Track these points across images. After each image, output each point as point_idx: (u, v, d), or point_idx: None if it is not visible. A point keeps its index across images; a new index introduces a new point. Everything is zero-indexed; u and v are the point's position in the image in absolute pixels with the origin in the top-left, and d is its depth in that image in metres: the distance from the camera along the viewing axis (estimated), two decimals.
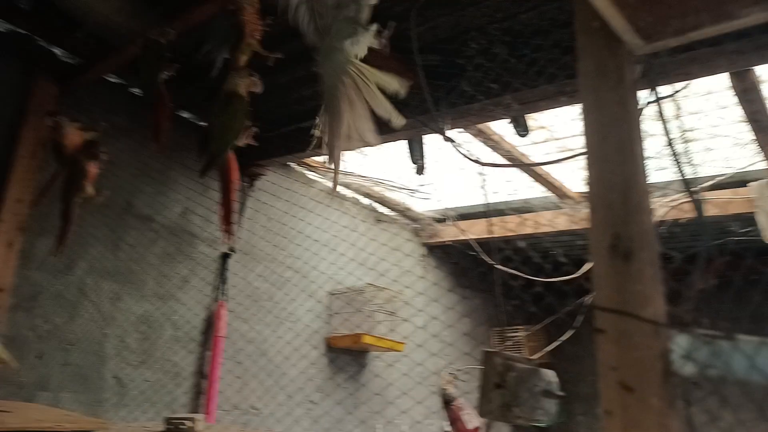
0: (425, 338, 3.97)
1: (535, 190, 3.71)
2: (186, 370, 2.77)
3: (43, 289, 2.36)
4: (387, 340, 3.52)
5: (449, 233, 4.30)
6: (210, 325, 2.92)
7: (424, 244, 4.45)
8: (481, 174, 2.82)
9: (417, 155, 2.86)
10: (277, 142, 3.11)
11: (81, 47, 2.56)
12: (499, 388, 1.43)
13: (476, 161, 2.03)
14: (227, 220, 2.04)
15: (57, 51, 2.57)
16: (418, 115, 2.51)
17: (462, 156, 2.03)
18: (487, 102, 2.42)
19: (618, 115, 1.11)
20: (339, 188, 3.82)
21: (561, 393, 1.51)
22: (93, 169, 2.04)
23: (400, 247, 4.09)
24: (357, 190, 3.91)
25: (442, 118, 2.46)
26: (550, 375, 1.54)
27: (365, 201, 4.00)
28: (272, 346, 3.15)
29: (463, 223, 4.01)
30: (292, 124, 3.09)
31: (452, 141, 2.28)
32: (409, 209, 4.21)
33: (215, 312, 2.93)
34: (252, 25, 1.74)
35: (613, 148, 1.11)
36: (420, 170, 2.90)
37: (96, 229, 2.57)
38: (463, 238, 3.79)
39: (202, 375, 2.83)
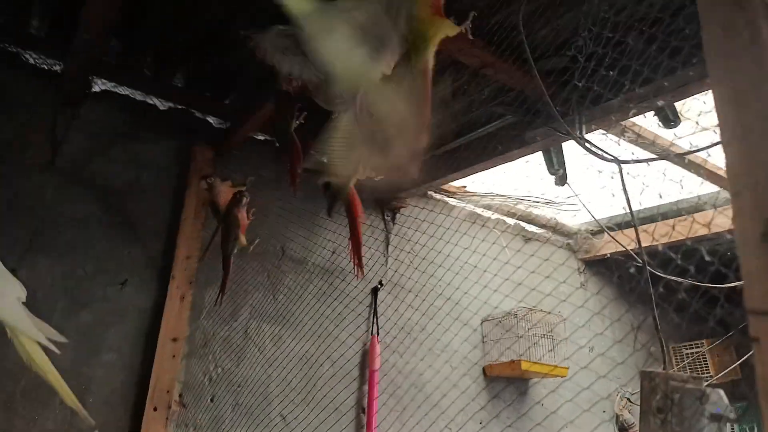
0: (591, 359, 3.69)
1: (705, 187, 3.29)
2: (346, 405, 2.85)
3: (213, 336, 2.60)
4: (548, 365, 3.32)
5: (608, 245, 3.98)
6: (366, 360, 2.98)
7: (581, 259, 4.16)
8: (634, 176, 2.56)
9: (555, 165, 2.67)
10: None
11: (229, 113, 2.82)
12: (661, 412, 1.26)
13: (614, 159, 1.81)
14: (357, 255, 2.04)
15: (210, 119, 2.85)
16: (550, 122, 2.38)
17: (598, 155, 1.84)
18: (624, 97, 2.20)
19: (756, 78, 0.92)
20: (481, 210, 3.73)
21: (731, 415, 1.29)
22: (244, 220, 2.20)
23: (553, 265, 3.86)
24: (500, 210, 3.78)
25: (578, 121, 2.29)
26: (719, 395, 1.33)
27: (510, 221, 3.85)
28: (427, 377, 3.13)
29: (623, 233, 3.68)
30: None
31: (587, 141, 2.09)
32: (559, 224, 3.97)
33: (369, 346, 2.99)
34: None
35: (754, 116, 0.91)
36: (561, 181, 2.71)
37: (256, 276, 2.77)
38: (624, 248, 3.46)
39: (362, 409, 2.89)
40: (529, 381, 3.59)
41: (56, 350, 1.36)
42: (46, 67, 2.50)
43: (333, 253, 3.08)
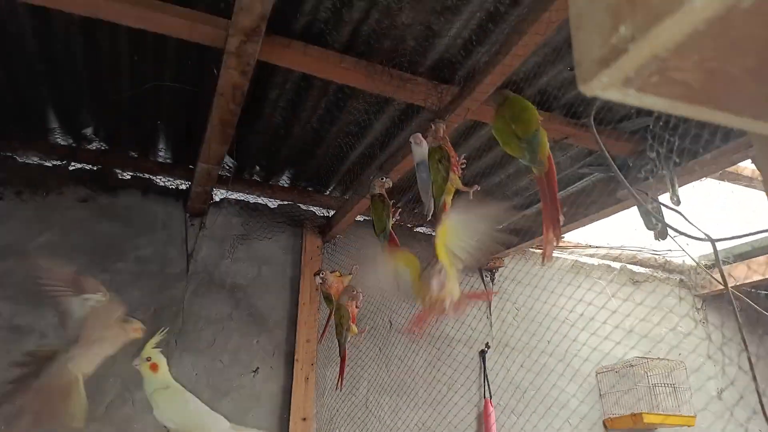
0: (722, 407, 3.51)
1: None
2: None
3: (337, 411, 2.81)
4: (674, 416, 3.20)
5: (729, 277, 3.79)
6: (481, 423, 3.06)
7: (697, 296, 3.98)
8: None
9: (654, 220, 2.66)
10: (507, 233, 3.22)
11: (331, 202, 3.09)
12: None
13: (708, 238, 1.82)
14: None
15: (314, 209, 3.14)
16: (638, 183, 2.40)
17: (689, 235, 1.86)
18: (716, 152, 2.19)
19: None
20: (585, 259, 3.72)
21: None
22: (354, 311, 2.41)
23: (667, 306, 3.74)
24: (605, 257, 3.75)
25: (668, 179, 2.31)
26: None
27: (616, 265, 3.80)
28: None
29: (740, 265, 3.52)
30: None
31: (678, 212, 2.09)
32: (669, 262, 3.85)
33: (483, 409, 3.07)
34: (454, 160, 1.86)
35: None
36: (662, 235, 2.68)
37: (369, 351, 2.97)
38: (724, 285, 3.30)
39: None
40: (654, 430, 3.47)
41: None
42: (173, 187, 2.91)
43: (437, 320, 3.21)
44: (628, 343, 3.43)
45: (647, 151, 2.32)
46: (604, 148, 2.14)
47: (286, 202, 3.08)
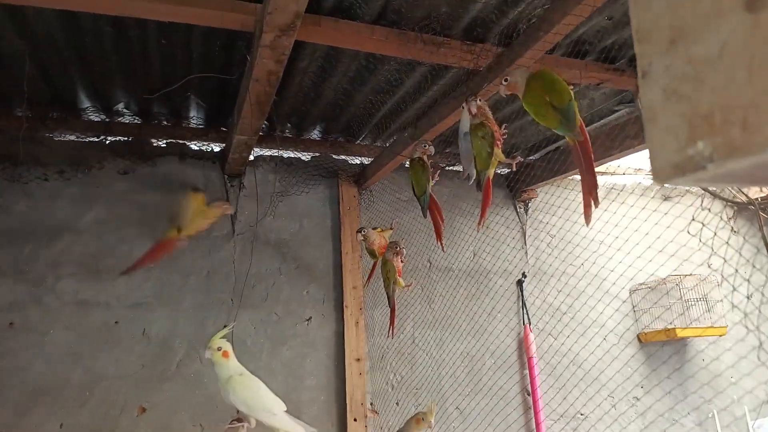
0: (751, 311, 3.65)
1: None
2: (512, 391, 3.17)
3: (387, 349, 3.01)
4: (704, 328, 3.36)
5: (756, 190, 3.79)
6: (522, 348, 3.25)
7: (729, 204, 4.01)
8: None
9: None
10: (540, 166, 3.24)
11: (363, 150, 3.11)
12: None
13: (750, 201, 1.85)
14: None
15: (346, 158, 3.17)
16: None
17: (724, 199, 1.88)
18: None
19: None
20: (615, 179, 3.74)
21: None
22: (399, 266, 2.51)
23: (698, 218, 3.79)
24: (635, 173, 3.75)
25: None
26: None
27: (647, 182, 3.81)
28: (583, 354, 3.32)
29: None
30: (548, 146, 3.19)
31: None
32: None
33: (523, 336, 3.25)
34: (497, 135, 1.86)
35: None
36: None
37: (412, 291, 3.12)
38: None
39: (526, 392, 3.20)
40: (688, 342, 3.64)
41: None
42: (208, 150, 2.95)
43: (474, 255, 3.33)
44: (660, 257, 3.52)
45: None
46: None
47: (318, 154, 3.11)
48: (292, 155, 3.09)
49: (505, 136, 1.82)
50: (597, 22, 1.99)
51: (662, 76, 0.61)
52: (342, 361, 2.88)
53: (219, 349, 1.88)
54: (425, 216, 2.25)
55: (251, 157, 3.00)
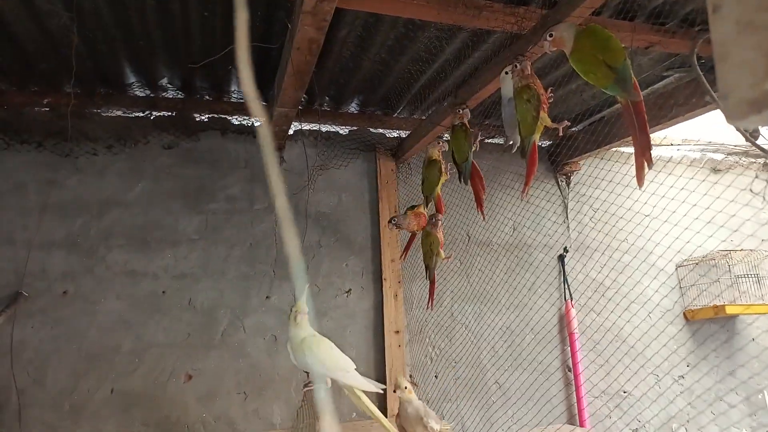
0: None
1: None
2: (552, 366, 3.14)
3: (426, 322, 3.01)
4: (756, 305, 3.24)
5: None
6: (563, 323, 3.21)
7: None
8: None
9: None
10: (584, 137, 3.17)
11: (401, 123, 3.10)
12: None
13: None
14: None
15: (384, 131, 3.16)
16: None
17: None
18: None
19: None
20: (662, 151, 3.62)
21: None
22: (441, 238, 2.50)
23: (749, 192, 3.65)
24: (684, 146, 3.63)
25: None
26: None
27: (695, 155, 3.69)
28: (627, 330, 3.26)
29: None
30: (593, 116, 3.11)
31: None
32: (752, 148, 3.69)
33: (564, 311, 3.21)
34: (543, 98, 1.81)
35: None
36: (754, 136, 2.56)
37: (450, 264, 3.11)
38: None
39: (567, 368, 3.16)
40: (736, 319, 3.54)
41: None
42: (249, 124, 2.98)
43: (514, 230, 3.29)
44: (709, 233, 3.40)
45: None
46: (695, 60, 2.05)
47: (356, 128, 3.11)
48: (330, 129, 3.10)
49: (551, 100, 1.77)
50: None
51: (736, 6, 0.58)
52: (381, 333, 2.90)
53: (307, 313, 1.90)
54: (466, 183, 2.23)
55: (290, 132, 3.03)
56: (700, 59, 2.35)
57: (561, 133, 1.85)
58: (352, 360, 1.87)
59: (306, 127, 3.08)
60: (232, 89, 2.84)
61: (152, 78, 2.63)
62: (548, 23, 1.79)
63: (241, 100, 2.91)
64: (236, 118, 2.98)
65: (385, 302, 2.93)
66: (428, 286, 2.64)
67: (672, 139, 3.57)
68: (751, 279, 3.29)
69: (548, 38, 1.63)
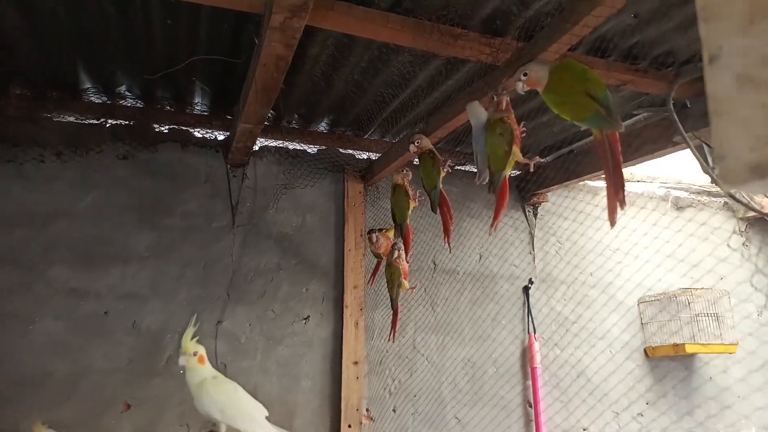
0: (763, 332, 3.56)
1: None
2: (513, 402, 3.07)
3: (387, 353, 2.91)
4: (715, 344, 3.25)
5: None
6: (526, 357, 3.15)
7: (741, 219, 3.90)
8: None
9: (711, 163, 2.54)
10: (552, 170, 3.14)
11: (371, 145, 3.02)
12: None
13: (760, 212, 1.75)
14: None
15: (353, 152, 3.08)
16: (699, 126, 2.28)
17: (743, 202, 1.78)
18: None
19: None
20: (627, 187, 3.63)
21: None
22: (404, 267, 2.41)
23: (711, 231, 3.69)
24: (647, 182, 3.65)
25: None
26: None
27: (660, 191, 3.71)
28: (589, 366, 3.23)
29: None
30: (561, 149, 3.09)
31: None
32: (713, 187, 3.74)
33: (527, 344, 3.15)
34: (517, 132, 1.75)
35: None
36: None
37: (415, 293, 3.02)
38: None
39: (528, 404, 3.10)
40: (695, 358, 3.54)
41: None
42: (212, 138, 2.85)
43: (480, 258, 3.23)
44: (671, 268, 3.41)
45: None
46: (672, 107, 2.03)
47: (325, 147, 3.02)
48: (298, 147, 3.00)
49: (523, 135, 1.72)
50: (622, 19, 1.89)
51: (736, 60, 0.51)
52: (339, 364, 2.78)
53: (195, 354, 1.76)
54: (435, 211, 2.15)
55: (256, 148, 2.91)
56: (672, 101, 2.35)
57: (532, 169, 1.80)
58: (263, 405, 1.71)
59: (273, 143, 2.97)
60: (195, 101, 2.71)
61: (110, 85, 2.48)
62: (524, 57, 1.74)
63: (205, 113, 2.79)
64: (198, 131, 2.85)
65: (345, 331, 2.82)
66: (392, 324, 2.53)
67: (639, 176, 3.59)
68: (710, 317, 3.30)
69: (522, 77, 1.57)
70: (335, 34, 2.00)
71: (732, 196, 2.58)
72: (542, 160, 1.72)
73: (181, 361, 1.74)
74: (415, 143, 2.20)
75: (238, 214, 2.80)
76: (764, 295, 3.71)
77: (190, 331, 1.87)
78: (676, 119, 2.20)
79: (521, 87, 1.52)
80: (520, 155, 1.67)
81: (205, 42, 2.08)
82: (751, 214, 3.85)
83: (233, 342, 2.66)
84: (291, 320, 2.79)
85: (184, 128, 2.81)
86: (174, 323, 2.58)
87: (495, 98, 1.74)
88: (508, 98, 1.75)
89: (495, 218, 1.77)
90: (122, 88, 2.53)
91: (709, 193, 3.81)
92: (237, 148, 2.60)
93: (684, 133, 2.16)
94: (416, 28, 1.82)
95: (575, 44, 1.82)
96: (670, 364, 3.44)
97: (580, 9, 1.55)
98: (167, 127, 2.78)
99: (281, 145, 2.96)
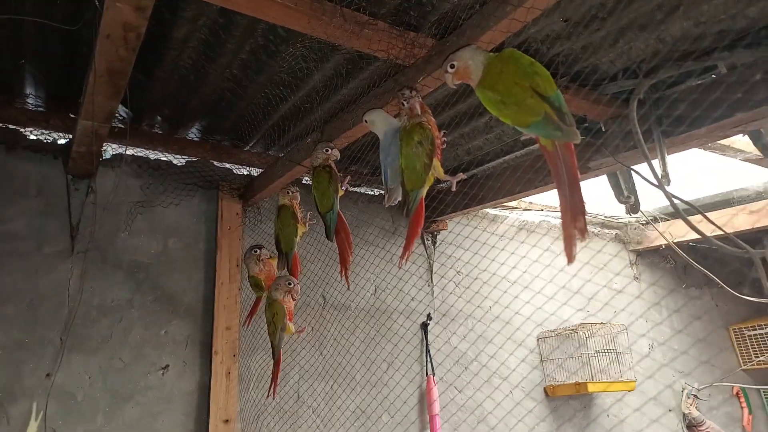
0: (653, 364, 3.54)
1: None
2: None
3: (265, 407, 2.44)
4: (616, 383, 3.13)
5: (663, 234, 3.72)
6: (423, 402, 2.82)
7: (631, 251, 3.92)
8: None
9: (625, 192, 2.40)
10: (454, 195, 2.88)
11: (253, 159, 2.58)
12: None
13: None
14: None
15: (231, 166, 2.61)
16: (619, 150, 2.11)
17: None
18: (714, 125, 1.91)
19: None
20: (525, 216, 3.49)
21: None
22: (290, 305, 1.99)
23: (602, 261, 3.65)
24: (546, 211, 3.54)
25: (658, 150, 2.01)
26: None
27: (557, 221, 3.61)
28: (489, 407, 2.96)
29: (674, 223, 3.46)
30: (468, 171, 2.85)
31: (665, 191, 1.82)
32: (611, 218, 3.71)
33: (426, 387, 2.82)
34: (438, 141, 1.41)
35: None
36: (634, 210, 2.44)
37: (300, 334, 2.58)
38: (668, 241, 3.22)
39: None
40: (594, 396, 3.42)
41: None
42: (49, 141, 2.27)
43: (375, 290, 2.88)
44: (565, 300, 3.29)
45: (631, 116, 2.00)
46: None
47: (195, 159, 2.52)
48: (161, 157, 2.48)
49: (444, 145, 1.39)
50: (543, 27, 1.65)
51: None
52: (205, 423, 2.26)
53: None
54: (331, 239, 1.77)
55: (107, 155, 2.36)
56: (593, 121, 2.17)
57: (454, 189, 1.47)
58: None
59: (130, 151, 2.43)
60: (27, 92, 2.13)
61: None
62: (447, 50, 1.42)
63: (40, 108, 2.20)
64: (31, 131, 2.25)
65: (214, 382, 2.31)
66: (273, 377, 2.06)
67: (538, 205, 3.46)
68: (609, 354, 3.19)
69: (449, 69, 1.25)
70: (209, 11, 1.57)
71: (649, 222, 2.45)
72: (465, 177, 1.40)
73: None
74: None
75: (79, 236, 2.22)
76: (656, 327, 3.71)
77: (33, 425, 1.34)
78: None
79: (450, 79, 1.19)
80: (441, 170, 1.34)
81: (33, 10, 1.55)
82: (641, 246, 3.87)
83: (67, 401, 2.06)
84: (145, 371, 2.23)
85: (11, 127, 2.20)
86: None
87: (405, 103, 1.40)
88: (420, 99, 1.42)
89: (407, 246, 1.42)
90: None
91: (603, 225, 3.78)
92: (79, 153, 2.05)
93: (614, 156, 1.96)
94: (314, 7, 1.44)
95: (520, 30, 1.54)
96: (572, 403, 3.28)
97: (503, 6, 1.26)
98: None
99: (140, 154, 2.43)
